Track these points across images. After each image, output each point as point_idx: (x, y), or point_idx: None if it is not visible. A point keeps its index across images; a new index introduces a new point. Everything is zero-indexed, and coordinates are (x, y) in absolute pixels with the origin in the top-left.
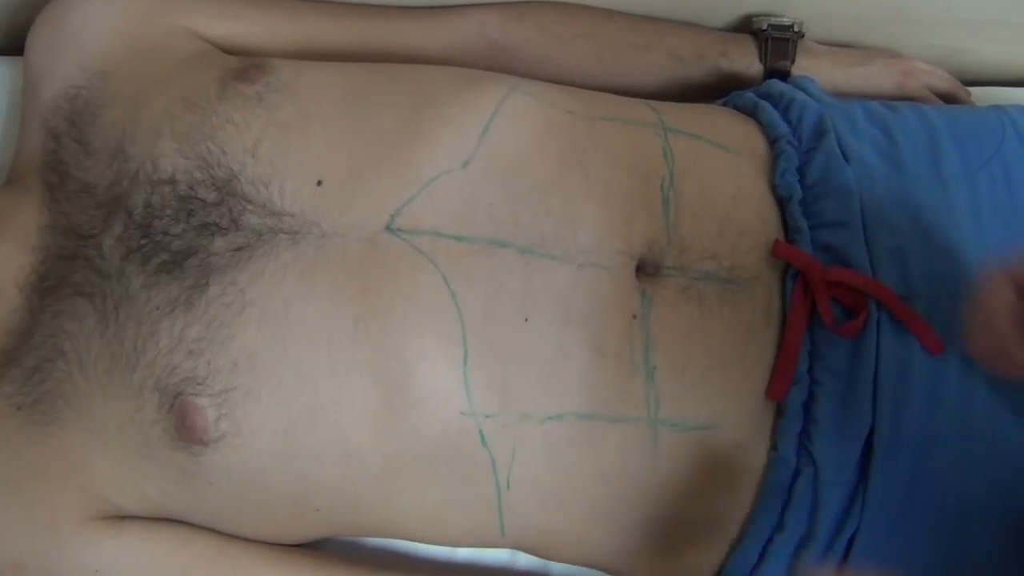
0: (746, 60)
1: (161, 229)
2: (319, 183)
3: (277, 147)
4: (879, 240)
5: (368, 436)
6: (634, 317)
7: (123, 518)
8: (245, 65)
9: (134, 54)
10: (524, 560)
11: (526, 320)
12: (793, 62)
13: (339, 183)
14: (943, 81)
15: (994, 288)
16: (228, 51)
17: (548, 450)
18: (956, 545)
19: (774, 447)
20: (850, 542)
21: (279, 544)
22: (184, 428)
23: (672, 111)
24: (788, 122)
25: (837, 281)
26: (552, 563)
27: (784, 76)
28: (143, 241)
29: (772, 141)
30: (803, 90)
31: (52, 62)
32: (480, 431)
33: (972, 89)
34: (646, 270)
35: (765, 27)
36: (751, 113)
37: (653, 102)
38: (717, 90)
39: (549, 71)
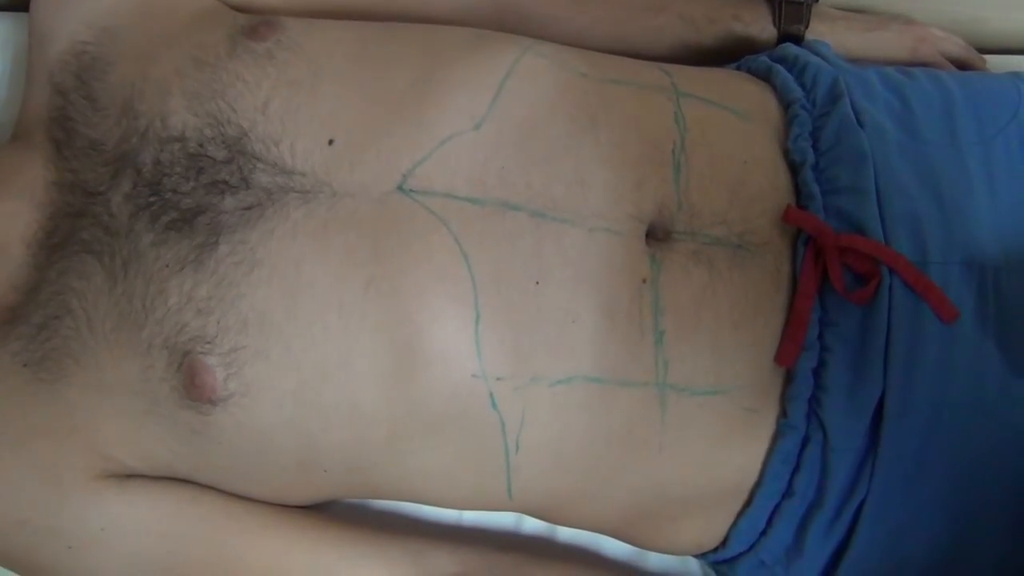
0: (759, 24)
1: (170, 187)
2: (330, 142)
3: (287, 105)
4: (893, 206)
5: (378, 397)
6: (644, 281)
7: (129, 477)
8: (255, 22)
9: (142, 10)
10: (530, 525)
11: (537, 283)
12: (807, 27)
13: (350, 142)
14: (958, 48)
15: None
16: (237, 9)
17: (557, 413)
18: (967, 514)
19: (783, 413)
20: (859, 509)
21: (285, 505)
22: (193, 387)
23: (685, 74)
24: (802, 86)
25: (849, 247)
26: (558, 528)
27: (798, 41)
28: (152, 199)
29: (786, 105)
30: (817, 54)
31: (58, 18)
32: (491, 393)
33: (987, 57)
34: (656, 235)
35: None
36: (765, 77)
37: (666, 65)
38: (730, 54)
39: (558, 32)
